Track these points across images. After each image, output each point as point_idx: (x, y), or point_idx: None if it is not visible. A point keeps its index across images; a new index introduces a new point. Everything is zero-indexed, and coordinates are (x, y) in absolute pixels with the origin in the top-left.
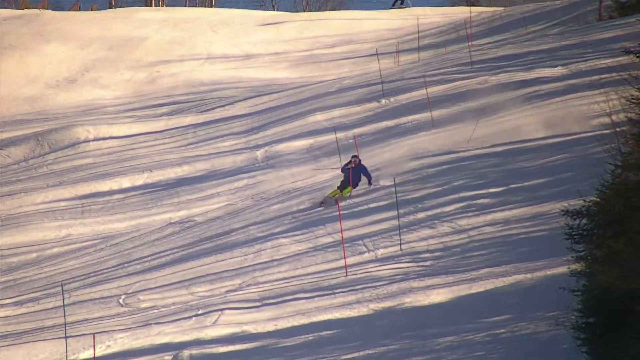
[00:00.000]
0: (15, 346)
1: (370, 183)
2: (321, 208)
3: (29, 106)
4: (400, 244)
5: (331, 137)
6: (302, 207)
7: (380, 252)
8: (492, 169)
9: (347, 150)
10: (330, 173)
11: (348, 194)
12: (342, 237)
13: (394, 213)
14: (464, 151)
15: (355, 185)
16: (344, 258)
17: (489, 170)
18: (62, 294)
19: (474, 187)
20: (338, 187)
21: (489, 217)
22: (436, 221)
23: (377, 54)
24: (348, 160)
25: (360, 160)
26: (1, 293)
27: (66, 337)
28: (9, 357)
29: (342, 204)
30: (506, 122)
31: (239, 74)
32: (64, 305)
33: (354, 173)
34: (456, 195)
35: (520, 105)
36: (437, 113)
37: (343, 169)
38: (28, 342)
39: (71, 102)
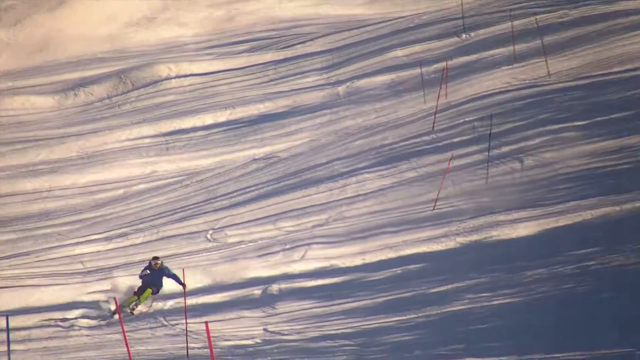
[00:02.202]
0: (105, 280)
1: (182, 284)
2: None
3: (109, 44)
4: (487, 178)
5: (412, 72)
6: (386, 142)
7: (466, 186)
8: (577, 102)
9: (430, 85)
10: (413, 108)
11: (148, 297)
12: (449, 166)
13: (477, 147)
14: (547, 85)
15: (157, 291)
16: (439, 190)
17: (573, 103)
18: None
19: (559, 120)
20: (135, 293)
21: (574, 150)
22: (521, 155)
23: None
24: (147, 265)
25: (162, 262)
26: (90, 229)
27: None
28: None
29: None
30: (589, 55)
31: (317, 10)
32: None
33: (155, 277)
34: (541, 129)
35: (603, 38)
36: (518, 47)
37: (141, 276)
38: (118, 277)
39: (151, 40)
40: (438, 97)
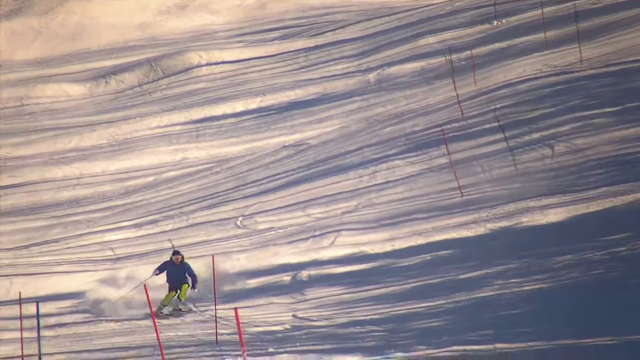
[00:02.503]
0: (135, 268)
1: (194, 287)
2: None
3: (141, 32)
4: (515, 164)
5: (443, 59)
6: (416, 128)
7: (496, 173)
8: (608, 88)
9: (460, 72)
10: (444, 95)
11: (186, 297)
12: (450, 160)
13: (507, 134)
14: (578, 71)
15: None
16: (456, 179)
17: (604, 89)
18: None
19: (590, 107)
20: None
21: (605, 136)
22: (552, 141)
23: None
24: (166, 260)
25: (183, 257)
26: (120, 216)
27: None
28: (130, 278)
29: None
30: (620, 41)
31: None
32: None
33: (177, 274)
34: (571, 115)
35: (636, 24)
36: (549, 34)
37: (155, 274)
38: (148, 264)
39: (182, 28)
40: (455, 87)
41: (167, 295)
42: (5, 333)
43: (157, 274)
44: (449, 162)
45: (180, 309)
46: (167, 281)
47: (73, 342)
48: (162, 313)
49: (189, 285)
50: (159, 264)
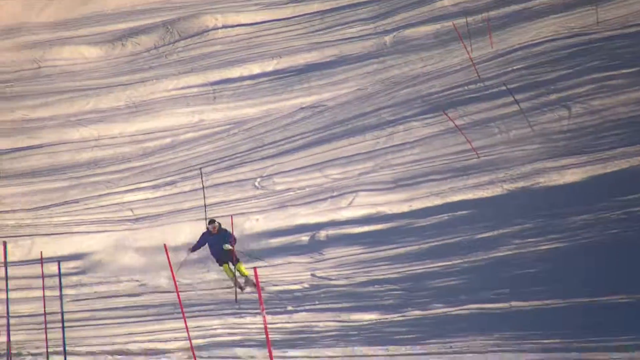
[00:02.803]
0: (153, 228)
1: (229, 243)
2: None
3: None
4: (532, 126)
5: (459, 21)
6: (432, 90)
7: (513, 134)
8: (625, 49)
9: (475, 35)
10: (459, 57)
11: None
12: (454, 124)
13: (524, 95)
14: (595, 33)
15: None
16: (468, 142)
17: (621, 51)
18: (201, 177)
19: (607, 68)
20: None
21: (622, 98)
22: (569, 102)
23: None
24: (203, 232)
25: (219, 225)
26: (139, 177)
27: (206, 219)
28: (148, 239)
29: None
30: (637, 3)
31: None
32: (203, 188)
33: (218, 242)
34: (589, 77)
35: None
36: None
37: (197, 245)
38: (167, 225)
39: None
40: (468, 50)
41: (225, 271)
42: (29, 292)
43: (193, 252)
44: (465, 123)
45: (240, 286)
46: (212, 254)
47: (95, 300)
48: (242, 289)
49: (238, 259)
50: (195, 241)
